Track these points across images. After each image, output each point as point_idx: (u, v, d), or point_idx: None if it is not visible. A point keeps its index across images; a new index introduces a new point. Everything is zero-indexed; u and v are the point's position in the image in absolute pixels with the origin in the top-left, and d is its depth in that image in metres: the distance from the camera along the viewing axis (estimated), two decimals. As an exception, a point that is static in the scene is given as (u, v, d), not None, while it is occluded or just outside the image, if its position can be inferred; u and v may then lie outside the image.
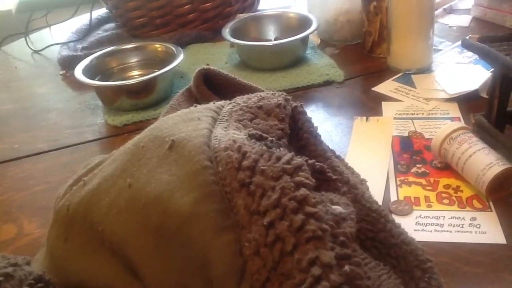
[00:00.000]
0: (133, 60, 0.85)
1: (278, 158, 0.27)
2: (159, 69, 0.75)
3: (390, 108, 0.69)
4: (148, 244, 0.32)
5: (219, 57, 0.90)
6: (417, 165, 0.57)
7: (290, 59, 0.82)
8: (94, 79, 0.77)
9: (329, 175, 0.34)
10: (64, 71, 0.93)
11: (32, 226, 0.55)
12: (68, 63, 0.92)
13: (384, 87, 0.74)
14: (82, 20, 1.13)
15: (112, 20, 1.12)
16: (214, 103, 0.36)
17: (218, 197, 0.29)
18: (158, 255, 0.31)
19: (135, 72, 0.84)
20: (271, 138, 0.30)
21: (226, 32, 0.85)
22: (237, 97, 0.37)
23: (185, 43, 0.96)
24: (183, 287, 0.31)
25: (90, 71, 0.78)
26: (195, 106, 0.36)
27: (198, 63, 0.86)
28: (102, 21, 1.15)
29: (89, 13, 1.10)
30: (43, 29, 1.20)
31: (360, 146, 0.61)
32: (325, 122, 0.67)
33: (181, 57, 0.77)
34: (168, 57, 0.80)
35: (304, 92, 0.76)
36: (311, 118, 0.44)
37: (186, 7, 0.97)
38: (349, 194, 0.38)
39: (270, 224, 0.26)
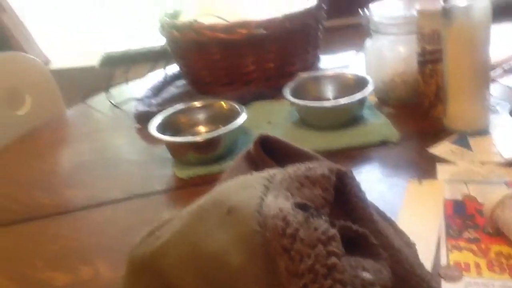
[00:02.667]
0: (201, 116, 0.92)
1: (316, 229, 0.32)
2: (224, 125, 0.81)
3: (445, 170, 0.70)
4: None
5: (280, 114, 0.96)
6: (469, 230, 0.57)
7: (347, 118, 0.86)
8: (165, 134, 0.85)
9: (371, 240, 0.38)
10: (139, 125, 1.03)
11: (106, 269, 0.61)
12: (143, 118, 1.01)
13: (440, 149, 0.75)
14: (158, 76, 1.25)
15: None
16: (268, 172, 0.41)
17: (265, 258, 0.33)
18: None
19: (202, 128, 0.92)
20: (312, 210, 0.35)
21: (286, 91, 0.91)
22: (288, 166, 0.42)
23: (248, 100, 1.02)
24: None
25: (162, 127, 0.86)
26: (251, 174, 0.42)
27: (261, 120, 0.93)
28: (174, 78, 1.25)
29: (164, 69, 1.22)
30: (122, 84, 1.33)
31: (413, 209, 0.63)
32: (379, 183, 0.69)
33: (243, 116, 0.83)
34: (233, 114, 0.86)
35: (360, 151, 0.79)
36: (359, 183, 0.47)
37: (251, 67, 1.05)
38: (392, 258, 0.40)
39: (304, 286, 0.31)
